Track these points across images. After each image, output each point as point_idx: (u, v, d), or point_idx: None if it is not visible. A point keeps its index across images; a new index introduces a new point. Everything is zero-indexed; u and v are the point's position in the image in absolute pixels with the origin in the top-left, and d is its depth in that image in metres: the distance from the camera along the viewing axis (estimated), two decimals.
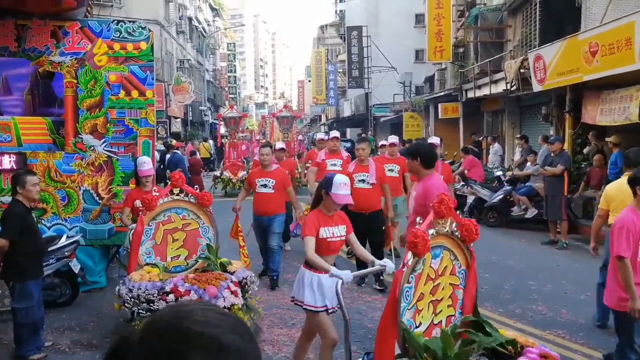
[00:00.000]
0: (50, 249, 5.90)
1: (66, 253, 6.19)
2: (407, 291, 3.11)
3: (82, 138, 7.05)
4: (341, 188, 4.16)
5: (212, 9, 50.39)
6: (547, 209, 10.18)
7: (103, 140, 7.10)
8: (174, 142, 18.01)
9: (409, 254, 3.09)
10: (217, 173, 18.78)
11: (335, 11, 53.05)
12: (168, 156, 14.33)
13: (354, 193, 4.89)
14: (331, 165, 8.65)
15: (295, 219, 8.58)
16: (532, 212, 11.37)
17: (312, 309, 4.16)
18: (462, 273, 3.47)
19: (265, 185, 7.29)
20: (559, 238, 9.94)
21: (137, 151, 7.15)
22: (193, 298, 4.73)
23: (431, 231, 3.21)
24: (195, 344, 0.87)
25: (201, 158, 21.85)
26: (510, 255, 9.19)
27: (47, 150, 7.00)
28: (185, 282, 4.92)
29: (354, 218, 5.37)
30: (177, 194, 5.50)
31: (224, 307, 4.59)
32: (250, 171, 8.69)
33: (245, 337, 0.92)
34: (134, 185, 7.00)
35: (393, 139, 9.32)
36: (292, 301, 4.41)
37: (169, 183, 5.73)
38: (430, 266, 3.23)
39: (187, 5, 36.10)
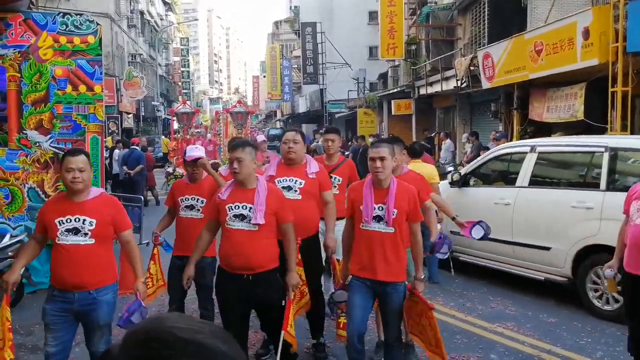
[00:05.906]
0: None
1: (9, 253, 5.99)
2: None
3: (26, 134, 6.82)
4: None
5: (165, 3, 49.48)
6: None
7: (49, 136, 6.89)
8: (123, 138, 17.57)
9: None
10: (170, 170, 18.48)
11: (290, 7, 53.00)
12: (120, 152, 13.94)
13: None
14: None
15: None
16: None
17: None
18: None
19: (74, 232, 3.54)
20: None
21: (85, 147, 6.96)
22: None
23: None
24: (179, 348, 0.85)
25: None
26: None
27: None
28: None
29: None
30: None
31: None
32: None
33: (229, 342, 0.91)
34: None
35: None
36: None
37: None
38: None
39: None
